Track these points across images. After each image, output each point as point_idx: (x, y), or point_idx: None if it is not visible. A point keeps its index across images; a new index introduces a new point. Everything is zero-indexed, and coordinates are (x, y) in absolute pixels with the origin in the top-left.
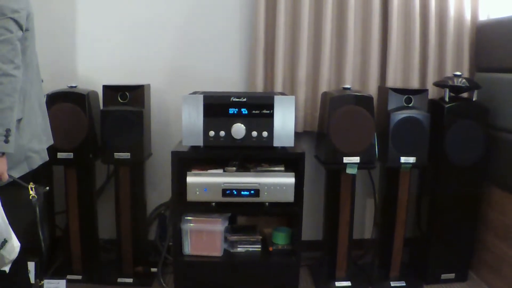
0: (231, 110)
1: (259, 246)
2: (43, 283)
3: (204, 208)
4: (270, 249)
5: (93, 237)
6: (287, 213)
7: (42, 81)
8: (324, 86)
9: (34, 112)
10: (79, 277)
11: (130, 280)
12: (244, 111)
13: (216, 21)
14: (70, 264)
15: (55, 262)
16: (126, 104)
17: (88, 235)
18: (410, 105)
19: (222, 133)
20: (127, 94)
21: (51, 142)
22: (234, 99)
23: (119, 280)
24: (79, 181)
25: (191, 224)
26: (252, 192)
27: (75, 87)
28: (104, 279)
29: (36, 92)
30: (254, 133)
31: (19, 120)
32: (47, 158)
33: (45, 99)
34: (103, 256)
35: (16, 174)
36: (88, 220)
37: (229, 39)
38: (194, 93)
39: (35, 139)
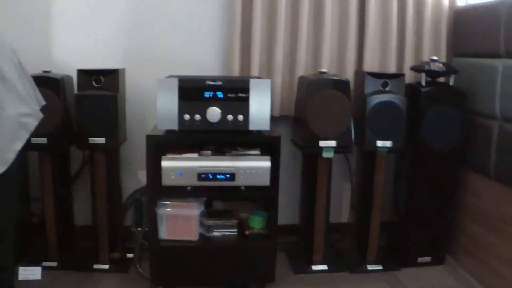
0: (207, 94)
1: (235, 230)
2: None
3: (179, 193)
4: (247, 233)
5: (69, 223)
6: (263, 197)
7: None
8: (301, 70)
9: (8, 81)
10: (55, 264)
11: (106, 266)
12: (220, 94)
13: (192, 5)
14: (46, 251)
15: (31, 249)
16: (101, 89)
17: (64, 222)
18: (387, 89)
19: (197, 117)
20: (102, 78)
21: (43, 103)
22: (209, 83)
23: (95, 266)
24: (54, 167)
25: (167, 209)
26: (227, 176)
27: (49, 71)
28: (80, 266)
29: (7, 62)
30: (230, 117)
31: None
32: (42, 116)
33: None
34: (79, 243)
35: (19, 144)
36: (64, 206)
37: (205, 23)
38: (170, 77)
39: (22, 104)
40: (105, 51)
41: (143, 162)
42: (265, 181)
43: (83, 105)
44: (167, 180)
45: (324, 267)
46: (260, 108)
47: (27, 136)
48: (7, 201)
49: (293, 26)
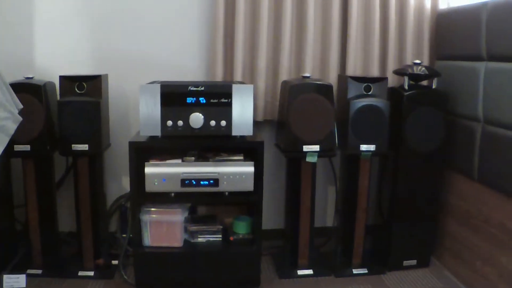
0: (189, 99)
1: (220, 235)
2: None
3: (163, 199)
4: (231, 238)
5: (53, 230)
6: (247, 202)
7: None
8: (284, 74)
9: None
10: (39, 271)
11: (91, 273)
12: (202, 100)
13: (175, 10)
14: (30, 259)
15: (15, 256)
16: (84, 95)
17: (48, 229)
18: (370, 93)
19: (180, 122)
20: (84, 84)
21: (20, 106)
22: (191, 88)
23: (80, 273)
24: (38, 174)
25: (151, 215)
26: (211, 181)
27: (32, 78)
28: (65, 273)
29: None
30: (213, 122)
31: None
32: (20, 119)
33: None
34: (63, 250)
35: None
36: (48, 213)
37: (188, 27)
38: (153, 82)
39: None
40: (89, 57)
41: (128, 168)
42: (249, 186)
43: (66, 112)
44: (151, 186)
45: (309, 271)
46: (242, 113)
47: (7, 139)
48: None
49: (276, 31)
